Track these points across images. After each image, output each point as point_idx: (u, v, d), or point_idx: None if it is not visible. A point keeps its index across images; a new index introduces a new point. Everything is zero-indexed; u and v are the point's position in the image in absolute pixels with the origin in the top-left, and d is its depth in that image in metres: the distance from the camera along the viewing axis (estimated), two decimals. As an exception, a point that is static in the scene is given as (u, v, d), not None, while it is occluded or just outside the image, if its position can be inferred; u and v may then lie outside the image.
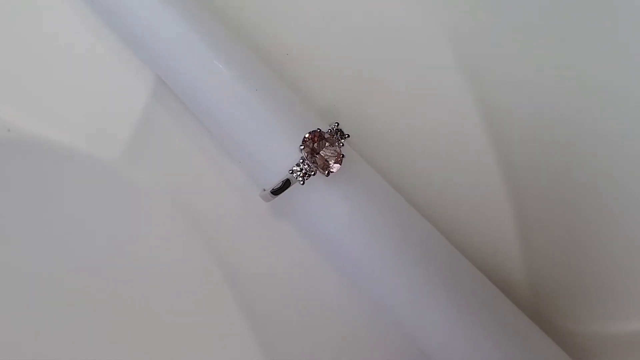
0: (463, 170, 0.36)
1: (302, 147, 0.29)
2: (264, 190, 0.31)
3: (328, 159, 0.29)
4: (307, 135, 0.29)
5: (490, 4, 0.36)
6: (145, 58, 0.34)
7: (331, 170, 0.29)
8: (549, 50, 0.35)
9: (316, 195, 0.31)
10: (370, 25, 0.37)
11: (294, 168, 0.29)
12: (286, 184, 0.30)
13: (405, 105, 0.37)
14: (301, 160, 0.29)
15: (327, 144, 0.29)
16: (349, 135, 0.30)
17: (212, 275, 0.35)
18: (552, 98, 0.35)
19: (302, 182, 0.29)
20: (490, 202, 0.36)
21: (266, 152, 0.32)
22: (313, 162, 0.29)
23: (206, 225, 0.35)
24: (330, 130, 0.29)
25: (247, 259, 0.35)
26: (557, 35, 0.35)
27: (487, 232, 0.36)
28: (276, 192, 0.31)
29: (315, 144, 0.29)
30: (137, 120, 0.35)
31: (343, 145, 0.29)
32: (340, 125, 0.32)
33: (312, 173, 0.29)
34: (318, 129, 0.29)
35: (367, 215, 0.32)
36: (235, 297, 0.34)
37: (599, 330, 0.34)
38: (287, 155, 0.31)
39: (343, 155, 0.29)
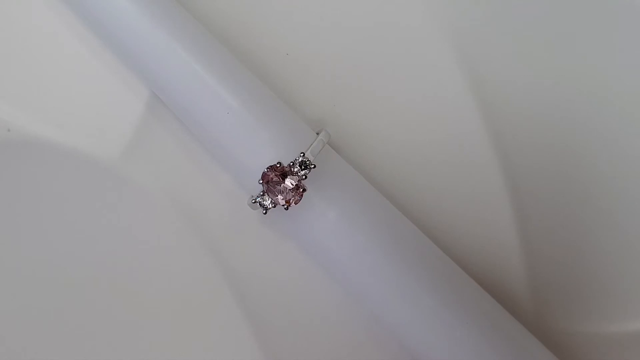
0: (463, 170, 0.36)
1: (261, 181, 0.29)
2: (252, 196, 0.31)
3: (287, 193, 0.28)
4: (265, 170, 0.28)
5: (490, 3, 0.35)
6: (134, 68, 0.34)
7: (290, 203, 0.29)
8: (550, 49, 0.34)
9: (304, 204, 0.31)
10: (369, 25, 0.36)
11: (257, 199, 0.29)
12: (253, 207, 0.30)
13: (405, 105, 0.36)
14: (261, 193, 0.29)
15: (287, 177, 0.28)
16: (315, 166, 0.29)
17: (209, 275, 0.35)
18: (552, 97, 0.34)
19: (264, 213, 0.29)
20: (490, 202, 0.36)
21: (252, 160, 0.31)
22: (273, 196, 0.29)
23: (204, 226, 0.35)
24: (293, 163, 0.29)
25: (244, 260, 0.36)
26: (557, 34, 0.34)
27: (487, 233, 0.36)
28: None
29: (274, 179, 0.28)
30: (137, 120, 0.35)
31: (306, 178, 0.29)
32: (331, 131, 0.32)
33: (273, 206, 0.29)
34: (278, 162, 0.29)
35: (353, 223, 0.32)
36: (233, 296, 0.35)
37: (599, 330, 0.34)
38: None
39: (304, 190, 0.29)
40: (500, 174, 0.35)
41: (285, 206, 0.29)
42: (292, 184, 0.28)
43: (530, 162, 0.35)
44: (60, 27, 0.36)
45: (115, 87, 0.36)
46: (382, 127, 0.36)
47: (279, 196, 0.28)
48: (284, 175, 0.28)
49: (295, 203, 0.29)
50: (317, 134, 0.32)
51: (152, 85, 0.33)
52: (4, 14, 0.36)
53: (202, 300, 0.35)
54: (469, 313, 0.32)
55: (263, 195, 0.29)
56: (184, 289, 0.35)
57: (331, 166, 0.32)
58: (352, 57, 0.36)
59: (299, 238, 0.35)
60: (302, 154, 0.29)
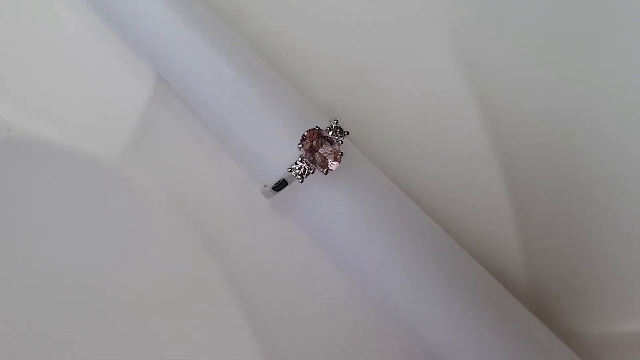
0: (463, 167, 0.36)
1: (301, 145, 0.28)
2: (265, 186, 0.31)
3: (326, 157, 0.28)
4: (305, 133, 0.28)
5: (491, 2, 0.36)
6: (145, 55, 0.34)
7: (330, 168, 0.28)
8: (550, 47, 0.35)
9: (317, 192, 0.31)
10: (369, 22, 0.37)
11: (293, 166, 0.29)
12: (283, 183, 0.29)
13: (405, 101, 0.37)
14: (299, 159, 0.29)
15: (326, 141, 0.28)
16: (348, 133, 0.29)
17: (213, 273, 0.35)
18: (552, 95, 0.35)
19: (300, 181, 0.29)
20: (489, 200, 0.36)
21: (267, 148, 0.31)
22: (312, 161, 0.28)
23: (207, 223, 0.35)
24: (330, 128, 0.29)
25: (249, 255, 0.35)
26: (558, 34, 0.35)
27: (487, 231, 0.36)
28: (276, 189, 0.30)
29: (314, 142, 0.28)
30: (137, 119, 0.35)
31: (342, 143, 0.29)
32: (340, 122, 0.32)
33: (311, 171, 0.29)
34: (317, 126, 0.29)
35: (368, 212, 0.31)
36: (236, 294, 0.35)
37: (599, 330, 0.34)
38: (287, 152, 0.31)
39: (342, 153, 0.29)
40: (501, 172, 0.36)
41: (325, 171, 0.28)
42: (332, 148, 0.28)
43: (530, 162, 0.35)
44: (60, 27, 0.36)
45: (115, 87, 0.36)
46: (382, 126, 0.37)
47: (319, 160, 0.28)
48: (323, 139, 0.28)
49: (335, 168, 0.28)
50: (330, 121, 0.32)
51: (167, 75, 0.33)
52: (3, 14, 0.35)
53: (206, 298, 0.35)
54: (481, 304, 0.31)
55: (301, 161, 0.29)
56: (186, 288, 0.35)
57: (345, 155, 0.32)
58: (354, 57, 0.37)
59: (309, 227, 0.34)
60: (335, 120, 0.29)
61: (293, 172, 0.29)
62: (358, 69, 0.37)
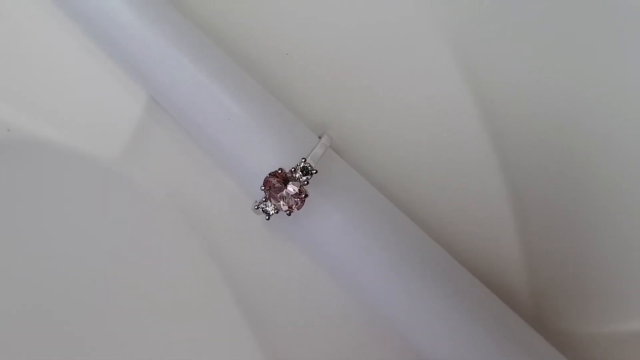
0: (462, 171, 0.36)
1: (263, 187, 0.28)
2: (256, 201, 0.31)
3: (289, 199, 0.28)
4: (267, 176, 0.28)
5: (489, 3, 0.34)
6: (134, 76, 0.34)
7: (292, 210, 0.28)
8: (549, 49, 0.34)
9: (307, 208, 0.31)
10: (369, 25, 0.36)
11: (260, 205, 0.29)
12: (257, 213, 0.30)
13: (404, 105, 0.36)
14: (263, 200, 0.29)
15: (289, 183, 0.28)
16: (316, 171, 0.29)
17: (212, 273, 0.35)
18: (551, 97, 0.34)
19: (267, 218, 0.29)
20: (489, 203, 0.36)
21: (256, 166, 0.31)
22: (276, 202, 0.28)
23: (207, 223, 0.35)
24: (295, 169, 0.29)
25: (248, 256, 0.36)
26: (557, 34, 0.34)
27: (487, 233, 0.36)
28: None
29: (277, 185, 0.28)
30: (137, 119, 0.35)
31: (307, 183, 0.29)
32: (332, 133, 0.32)
33: (275, 212, 0.29)
34: (280, 169, 0.29)
35: (358, 225, 0.32)
36: (235, 294, 0.35)
37: (599, 330, 0.34)
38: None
39: (306, 195, 0.28)
40: (501, 174, 0.35)
41: (288, 212, 0.28)
42: (294, 190, 0.28)
43: (530, 162, 0.35)
44: (60, 28, 0.36)
45: (116, 87, 0.36)
46: (382, 127, 0.36)
47: (281, 202, 0.28)
48: (285, 181, 0.28)
49: (298, 209, 0.28)
50: (319, 137, 0.32)
51: (152, 90, 0.33)
52: (4, 16, 0.35)
53: (202, 301, 0.35)
54: (473, 311, 0.32)
55: (265, 201, 0.29)
56: (184, 290, 0.35)
57: (333, 170, 0.32)
58: (354, 58, 0.36)
59: (302, 242, 0.34)
60: (303, 160, 0.29)
61: (259, 209, 0.29)
62: (358, 72, 0.36)
